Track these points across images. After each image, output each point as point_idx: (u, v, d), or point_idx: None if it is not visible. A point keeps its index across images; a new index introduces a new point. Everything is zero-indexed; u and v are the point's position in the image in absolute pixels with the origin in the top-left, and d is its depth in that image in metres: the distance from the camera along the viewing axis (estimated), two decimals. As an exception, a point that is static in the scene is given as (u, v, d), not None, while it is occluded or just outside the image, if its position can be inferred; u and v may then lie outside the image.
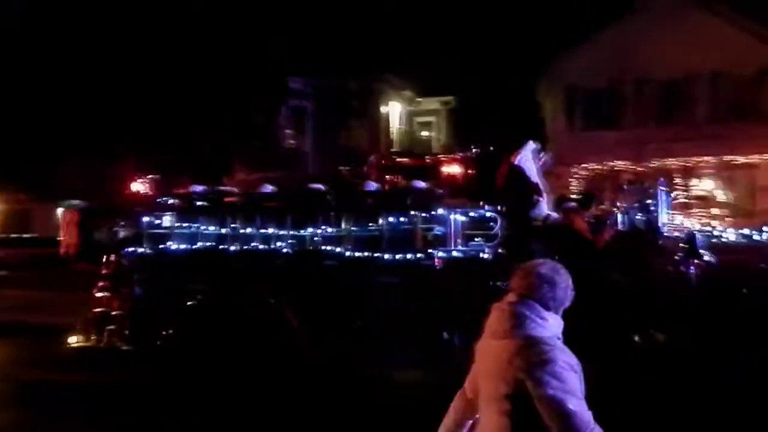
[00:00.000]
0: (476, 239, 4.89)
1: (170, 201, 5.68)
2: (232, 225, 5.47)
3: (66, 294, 12.60)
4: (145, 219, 5.55)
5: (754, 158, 20.01)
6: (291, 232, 5.35)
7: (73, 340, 5.61)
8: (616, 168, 21.98)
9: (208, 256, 5.43)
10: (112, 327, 5.48)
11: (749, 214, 18.42)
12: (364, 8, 22.25)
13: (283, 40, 21.26)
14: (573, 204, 5.19)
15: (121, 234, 5.69)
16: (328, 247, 5.23)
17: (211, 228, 5.51)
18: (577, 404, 2.02)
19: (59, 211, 6.09)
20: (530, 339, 2.14)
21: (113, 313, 5.56)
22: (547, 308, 2.29)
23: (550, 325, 2.27)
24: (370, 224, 5.28)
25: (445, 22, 23.93)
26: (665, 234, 4.52)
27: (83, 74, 18.28)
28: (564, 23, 22.41)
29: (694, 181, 20.47)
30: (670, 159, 21.05)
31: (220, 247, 5.47)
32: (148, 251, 5.51)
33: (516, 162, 5.40)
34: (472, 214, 4.93)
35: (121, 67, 18.24)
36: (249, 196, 5.74)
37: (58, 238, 5.83)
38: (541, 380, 2.02)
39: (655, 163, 21.12)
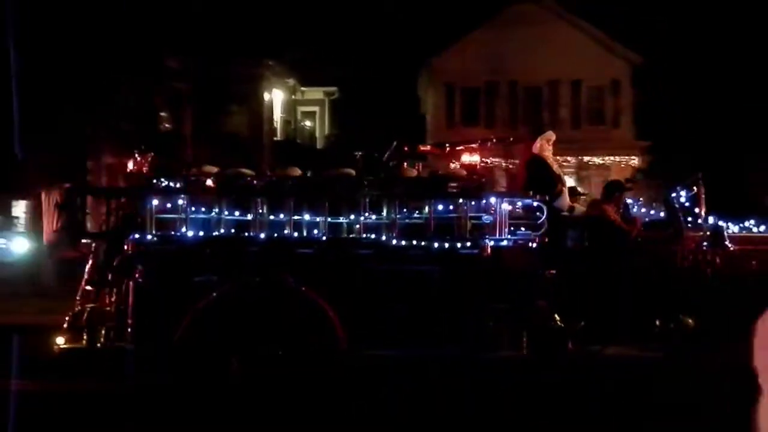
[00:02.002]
0: (522, 228, 5.03)
1: (179, 183, 5.01)
2: (258, 210, 4.99)
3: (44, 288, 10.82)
4: (153, 202, 4.83)
5: (607, 160, 22.55)
6: (327, 219, 5.02)
7: (62, 341, 4.73)
8: (490, 164, 23.54)
9: (231, 243, 4.90)
10: (110, 324, 4.72)
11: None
12: (247, -8, 21.36)
13: (160, 17, 19.67)
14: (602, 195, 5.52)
15: (121, 219, 4.92)
16: (367, 235, 5.02)
17: (236, 213, 4.98)
18: None
19: (42, 194, 5.11)
20: None
21: (107, 308, 4.81)
22: None
23: None
24: (414, 212, 5.18)
25: (330, 12, 23.76)
26: (689, 225, 4.99)
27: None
28: (445, 20, 23.33)
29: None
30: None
31: (244, 234, 4.97)
32: (157, 238, 4.81)
33: (535, 152, 5.63)
34: (519, 203, 5.06)
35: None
36: (277, 180, 5.27)
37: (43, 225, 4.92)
38: None
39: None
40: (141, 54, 19.16)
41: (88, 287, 4.92)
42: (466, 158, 5.81)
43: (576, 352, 4.81)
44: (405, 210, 5.11)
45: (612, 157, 22.73)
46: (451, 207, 5.01)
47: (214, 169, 5.30)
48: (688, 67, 19.41)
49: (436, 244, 4.88)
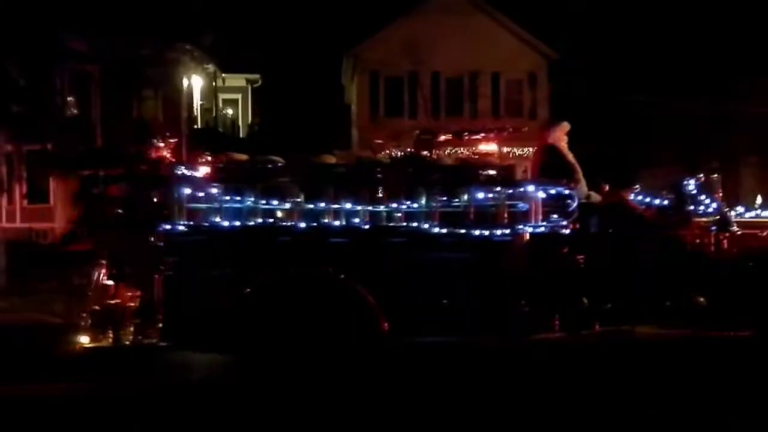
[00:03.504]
0: (553, 216, 5.17)
1: (209, 171, 4.65)
2: (296, 199, 4.77)
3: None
4: (185, 190, 4.46)
5: (526, 150, 23.59)
6: (367, 207, 4.90)
7: (85, 340, 4.26)
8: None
9: (268, 233, 4.64)
10: (137, 321, 4.33)
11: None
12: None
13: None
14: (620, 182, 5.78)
15: (148, 207, 4.47)
16: (406, 223, 4.97)
17: (274, 202, 4.72)
18: None
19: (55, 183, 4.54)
20: None
21: (130, 304, 4.40)
22: None
23: None
24: (453, 199, 5.16)
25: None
26: (695, 210, 5.38)
27: None
28: (369, 8, 23.28)
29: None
30: (458, 149, 23.62)
31: (282, 223, 4.73)
32: (191, 228, 4.46)
33: (550, 141, 5.80)
34: (551, 191, 5.19)
35: None
36: (313, 168, 5.04)
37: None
38: None
39: (446, 152, 23.51)
40: (35, 33, 17.53)
41: (108, 282, 4.49)
42: (484, 147, 5.87)
43: (606, 333, 5.05)
44: (445, 198, 5.09)
45: (530, 148, 23.82)
46: (489, 195, 5.05)
47: (243, 157, 5.00)
48: (600, 62, 20.74)
49: (476, 232, 4.91)
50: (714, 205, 5.47)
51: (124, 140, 21.64)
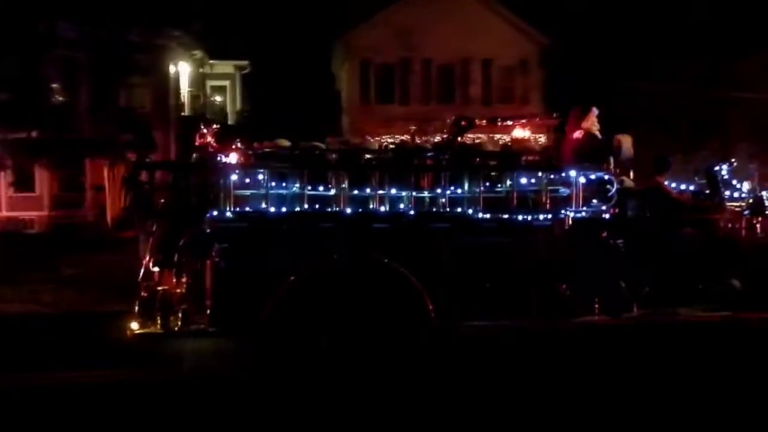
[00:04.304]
0: (594, 201, 5.18)
1: (255, 157, 4.57)
2: (342, 185, 4.71)
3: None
4: (233, 177, 4.38)
5: (518, 136, 23.65)
6: (413, 194, 4.87)
7: (136, 327, 4.20)
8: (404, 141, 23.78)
9: (315, 219, 4.59)
10: (183, 307, 4.26)
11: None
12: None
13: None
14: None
15: (196, 194, 4.39)
16: (451, 209, 4.94)
17: (320, 189, 4.65)
18: None
19: (105, 170, 4.43)
20: None
21: (177, 290, 4.34)
22: None
23: None
24: (497, 184, 5.14)
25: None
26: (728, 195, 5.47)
27: None
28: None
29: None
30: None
31: (329, 209, 4.68)
32: (237, 215, 4.40)
33: (585, 127, 5.79)
34: (592, 176, 5.18)
35: None
36: (358, 154, 4.98)
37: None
38: None
39: (438, 139, 23.45)
40: (22, 20, 17.03)
41: (155, 268, 4.42)
42: (518, 133, 5.85)
43: (648, 315, 5.10)
44: (488, 183, 5.07)
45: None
46: (532, 180, 5.04)
47: (286, 143, 4.91)
48: (592, 48, 20.84)
49: (519, 217, 4.90)
50: (746, 189, 5.54)
51: (111, 128, 21.31)
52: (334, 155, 4.90)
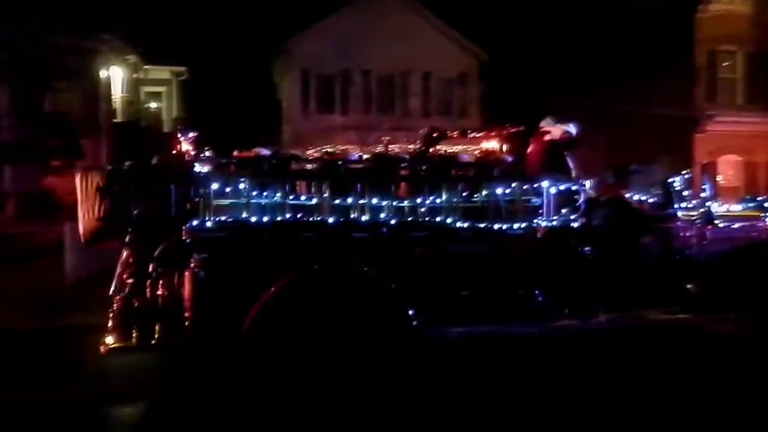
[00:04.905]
0: (563, 210, 5.35)
1: (234, 165, 4.42)
2: (325, 195, 4.65)
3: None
4: (214, 186, 4.22)
5: (455, 150, 24.15)
6: (393, 203, 4.87)
7: (111, 341, 3.93)
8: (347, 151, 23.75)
9: (298, 229, 4.51)
10: (162, 320, 4.06)
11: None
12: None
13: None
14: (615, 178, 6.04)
15: (174, 204, 4.17)
16: (430, 218, 4.99)
17: (302, 198, 4.57)
18: None
19: (77, 178, 4.12)
20: None
21: (154, 302, 4.13)
22: None
23: None
24: (473, 195, 5.21)
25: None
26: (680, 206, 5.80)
27: None
28: (301, 3, 22.93)
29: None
30: (390, 146, 23.75)
31: (311, 219, 4.61)
32: (220, 225, 4.25)
33: (550, 139, 5.99)
34: (561, 187, 5.35)
35: None
36: (338, 164, 4.91)
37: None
38: None
39: (378, 150, 23.56)
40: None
41: (130, 280, 4.20)
42: (486, 145, 5.99)
43: (618, 319, 5.32)
44: (466, 193, 5.15)
45: (461, 146, 24.37)
46: (506, 190, 5.16)
47: (265, 151, 4.81)
48: (530, 63, 21.63)
49: (495, 226, 5.01)
50: (697, 200, 5.90)
51: (35, 133, 20.10)
52: (315, 165, 4.85)
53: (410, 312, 4.60)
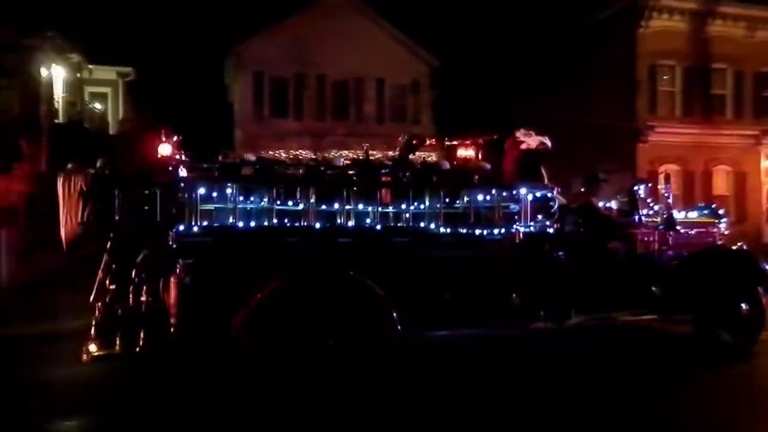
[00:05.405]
0: (538, 216, 5.51)
1: (217, 170, 4.31)
2: (311, 200, 4.63)
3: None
4: (201, 191, 4.13)
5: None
6: (378, 209, 4.91)
7: (94, 349, 3.76)
8: (300, 156, 23.57)
9: (284, 234, 4.48)
10: (146, 326, 3.92)
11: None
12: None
13: None
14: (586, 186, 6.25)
15: (160, 208, 4.02)
16: (414, 224, 5.06)
17: (289, 203, 4.52)
18: None
19: (59, 180, 3.90)
20: None
21: (137, 309, 3.99)
22: None
23: None
24: (455, 201, 5.29)
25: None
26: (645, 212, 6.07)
27: None
28: (254, 5, 22.66)
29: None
30: (344, 152, 23.71)
31: (298, 224, 4.58)
32: (206, 230, 4.17)
33: (526, 149, 6.17)
34: (537, 194, 5.51)
35: None
36: (321, 169, 4.88)
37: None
38: None
39: (332, 155, 23.47)
40: None
41: (113, 286, 4.06)
42: (462, 152, 6.13)
43: (591, 320, 5.52)
44: (447, 200, 5.24)
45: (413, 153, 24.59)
46: (487, 197, 5.27)
47: (251, 157, 4.75)
48: (481, 73, 22.10)
49: (477, 231, 5.12)
50: (660, 207, 6.20)
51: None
52: (301, 170, 4.83)
53: (394, 314, 4.66)
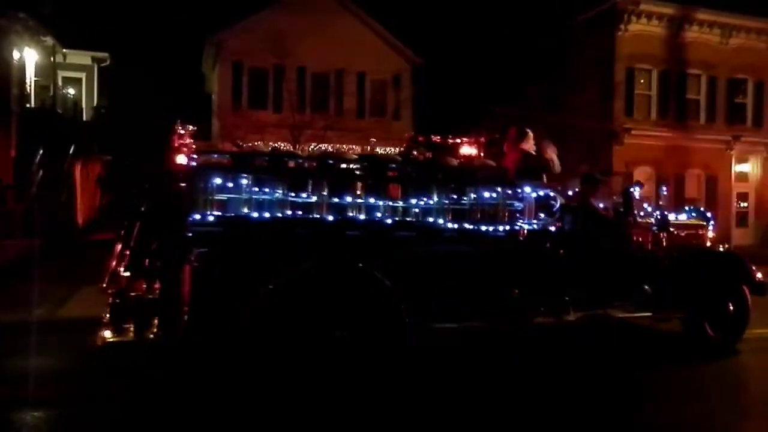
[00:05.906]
0: (540, 215, 5.59)
1: (236, 162, 4.27)
2: (323, 193, 4.63)
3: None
4: (216, 181, 4.10)
5: (389, 150, 24.33)
6: (390, 203, 4.93)
7: (108, 335, 3.71)
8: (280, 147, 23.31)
9: (297, 226, 4.48)
10: (159, 314, 3.89)
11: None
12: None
13: None
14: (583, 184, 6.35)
15: (175, 197, 3.97)
16: (420, 219, 5.09)
17: (303, 195, 4.51)
18: None
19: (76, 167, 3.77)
20: None
21: (150, 296, 3.95)
22: None
23: None
24: (461, 197, 5.33)
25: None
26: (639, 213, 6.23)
27: None
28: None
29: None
30: (323, 145, 23.59)
31: (312, 216, 4.59)
32: (222, 220, 4.16)
33: (526, 148, 6.24)
34: (540, 192, 5.59)
35: None
36: (334, 163, 4.87)
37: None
38: None
39: (310, 148, 23.29)
40: None
41: (126, 273, 4.01)
42: (466, 150, 6.16)
43: (590, 317, 5.64)
44: (454, 196, 5.27)
45: (393, 148, 24.60)
46: (492, 194, 5.32)
47: (264, 148, 4.69)
48: (463, 69, 22.21)
49: (483, 228, 5.17)
50: (653, 207, 6.35)
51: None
52: (314, 164, 4.83)
53: (402, 306, 4.70)
